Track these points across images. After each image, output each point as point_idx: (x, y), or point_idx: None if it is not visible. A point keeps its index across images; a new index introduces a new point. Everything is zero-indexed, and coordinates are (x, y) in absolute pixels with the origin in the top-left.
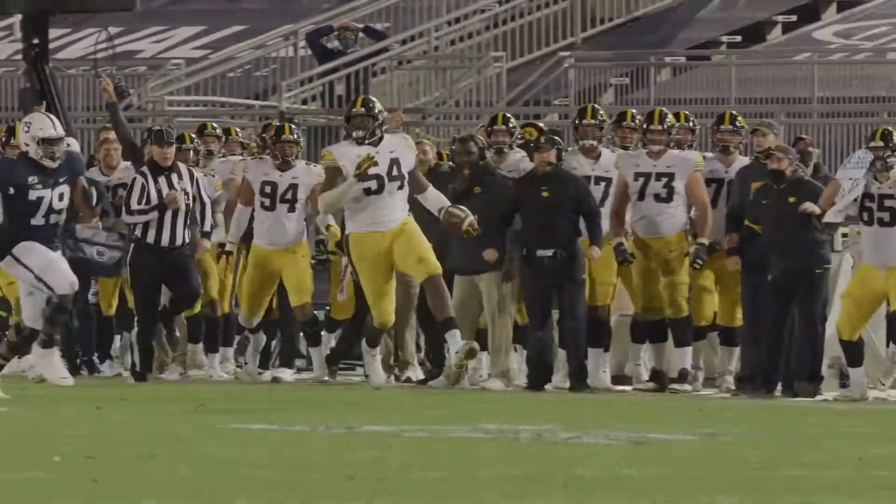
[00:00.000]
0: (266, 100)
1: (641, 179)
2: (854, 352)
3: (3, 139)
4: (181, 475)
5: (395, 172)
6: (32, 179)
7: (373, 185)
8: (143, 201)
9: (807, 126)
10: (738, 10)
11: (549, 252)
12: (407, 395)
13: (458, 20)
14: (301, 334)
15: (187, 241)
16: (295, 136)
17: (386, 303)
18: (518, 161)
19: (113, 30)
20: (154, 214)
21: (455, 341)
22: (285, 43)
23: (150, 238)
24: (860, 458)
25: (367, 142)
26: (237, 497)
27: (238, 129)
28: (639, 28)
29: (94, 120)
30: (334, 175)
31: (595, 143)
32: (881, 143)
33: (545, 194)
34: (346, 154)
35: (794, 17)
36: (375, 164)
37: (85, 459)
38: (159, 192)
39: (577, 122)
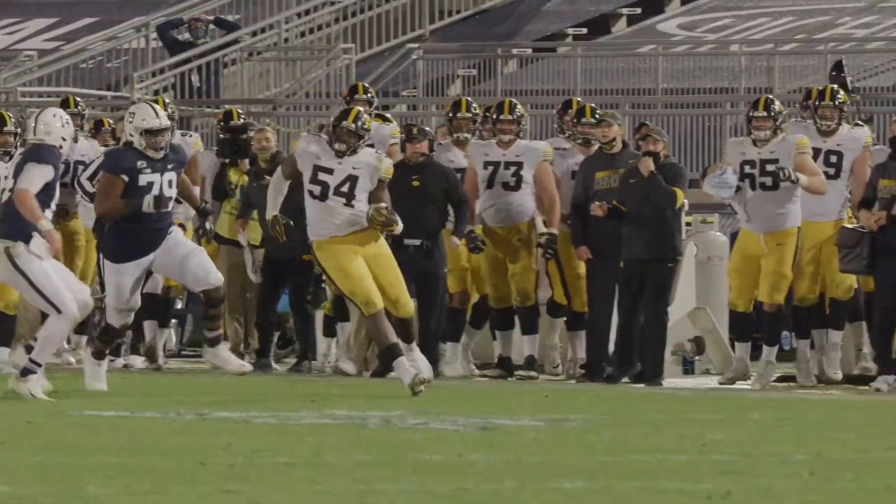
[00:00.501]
0: (118, 91)
1: (490, 168)
2: (743, 325)
3: None
4: (33, 461)
5: (344, 189)
6: (141, 164)
7: (316, 190)
8: None
9: (651, 117)
10: (584, 3)
11: (417, 242)
12: (257, 382)
13: (307, 12)
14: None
15: None
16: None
17: (366, 288)
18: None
19: None
20: None
21: (404, 371)
22: (137, 34)
23: None
24: (703, 444)
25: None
26: (89, 483)
27: (110, 120)
28: (486, 20)
29: None
30: (292, 163)
31: (469, 135)
32: (764, 113)
33: (416, 184)
34: (322, 153)
35: (638, 10)
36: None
37: None
38: None
39: (450, 115)
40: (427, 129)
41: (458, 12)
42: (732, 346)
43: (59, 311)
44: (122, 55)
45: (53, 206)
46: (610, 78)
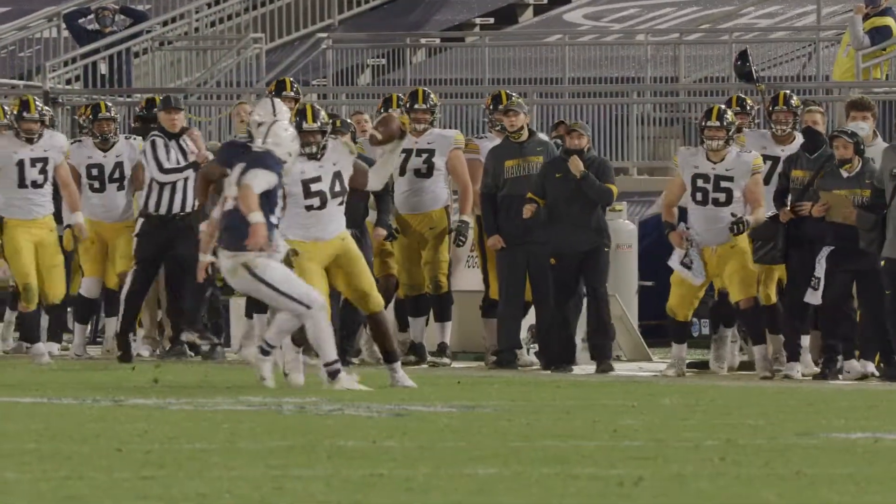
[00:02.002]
0: (30, 80)
1: (403, 155)
2: (682, 331)
3: None
4: None
5: (337, 188)
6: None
7: (315, 202)
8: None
9: (559, 106)
10: None
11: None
12: (173, 369)
13: (217, 2)
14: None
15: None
16: (111, 112)
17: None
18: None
19: None
20: (189, 172)
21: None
22: (49, 24)
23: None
24: (614, 430)
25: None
26: (6, 469)
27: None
28: (395, 10)
29: None
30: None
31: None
32: (717, 123)
33: None
34: (304, 166)
35: (545, 0)
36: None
37: None
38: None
39: (408, 106)
40: (349, 120)
41: (367, 2)
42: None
43: (308, 307)
44: (34, 44)
45: (278, 213)
46: (517, 67)
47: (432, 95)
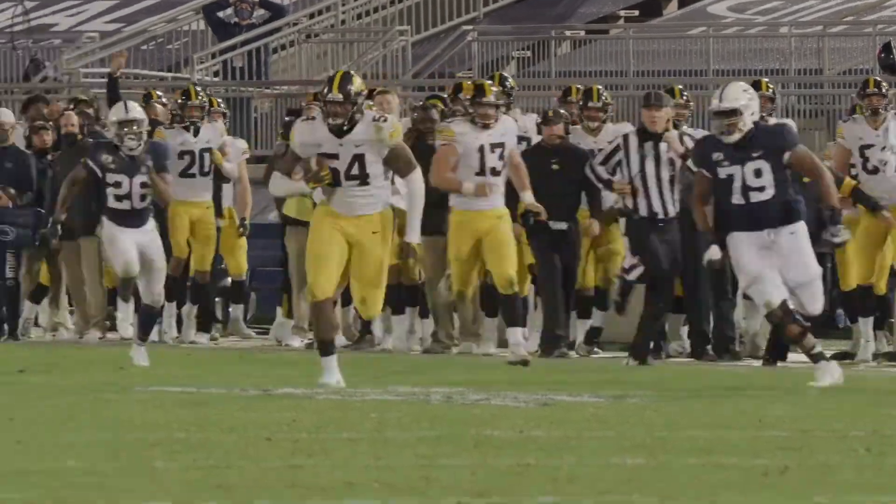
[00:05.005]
0: (178, 72)
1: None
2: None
3: None
4: (101, 438)
5: (354, 171)
6: None
7: (327, 178)
8: None
9: (704, 97)
10: None
11: (563, 225)
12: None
13: None
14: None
15: None
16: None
17: (321, 275)
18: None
19: (28, 3)
20: None
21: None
22: (196, 17)
23: None
24: (759, 420)
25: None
26: (156, 458)
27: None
28: (540, 2)
29: (10, 91)
30: (293, 157)
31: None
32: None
33: (555, 167)
34: (323, 140)
35: None
36: (327, 179)
37: (7, 422)
38: None
39: (581, 103)
40: (562, 111)
41: None
42: None
43: None
44: (182, 37)
45: None
46: (661, 60)
47: (606, 93)
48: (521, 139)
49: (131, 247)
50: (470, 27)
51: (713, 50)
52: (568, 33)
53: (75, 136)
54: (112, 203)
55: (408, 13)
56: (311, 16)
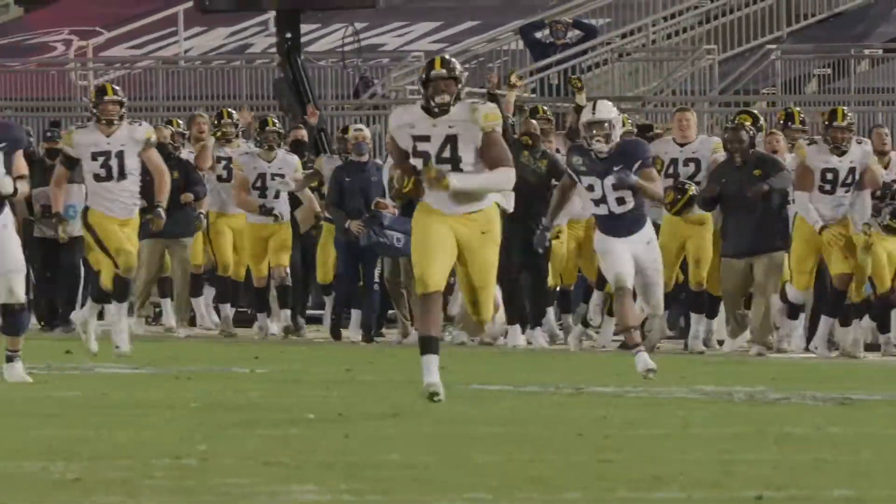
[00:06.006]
0: (498, 89)
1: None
2: None
3: (257, 129)
4: (424, 432)
5: (446, 153)
6: None
7: (419, 164)
8: None
9: None
10: None
11: None
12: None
13: (673, 16)
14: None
15: None
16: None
17: (433, 266)
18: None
19: (358, 25)
20: None
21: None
22: (514, 37)
23: None
24: None
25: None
26: (474, 451)
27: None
28: (840, 23)
29: (342, 108)
30: (394, 144)
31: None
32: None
33: None
34: (417, 121)
35: None
36: (416, 184)
37: (337, 417)
38: None
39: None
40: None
41: (814, 15)
42: None
43: None
44: (501, 56)
45: None
46: None
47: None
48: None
49: None
50: (774, 46)
51: None
52: (867, 52)
53: None
54: None
55: (715, 33)
56: (623, 35)
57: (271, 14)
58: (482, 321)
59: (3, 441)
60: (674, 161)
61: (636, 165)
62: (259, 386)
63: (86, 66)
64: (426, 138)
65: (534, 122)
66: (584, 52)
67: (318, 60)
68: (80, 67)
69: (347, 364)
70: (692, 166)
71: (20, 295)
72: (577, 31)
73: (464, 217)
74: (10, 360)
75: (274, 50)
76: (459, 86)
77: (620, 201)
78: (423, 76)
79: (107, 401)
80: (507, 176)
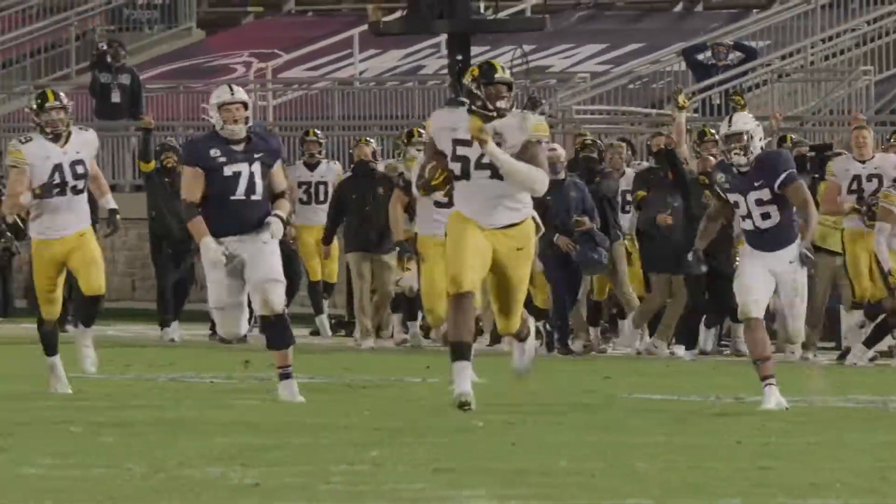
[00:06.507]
0: (661, 109)
1: None
2: None
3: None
4: (588, 440)
5: (486, 160)
6: None
7: (456, 168)
8: None
9: None
10: None
11: None
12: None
13: (831, 38)
14: None
15: None
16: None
17: (466, 266)
18: None
19: (527, 47)
20: None
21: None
22: (677, 59)
23: None
24: None
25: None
26: (636, 459)
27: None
28: None
29: None
30: (430, 146)
31: None
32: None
33: None
34: (460, 125)
35: None
36: (446, 180)
37: (504, 425)
38: None
39: None
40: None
41: None
42: None
43: None
44: (665, 77)
45: None
46: None
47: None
48: None
49: None
50: None
51: None
52: None
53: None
54: None
55: (871, 54)
56: (783, 57)
57: (443, 37)
58: (507, 330)
59: (187, 448)
60: (856, 177)
61: (779, 180)
62: (430, 395)
63: (265, 88)
64: (468, 142)
65: (711, 158)
66: (745, 73)
67: None
68: (259, 88)
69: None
70: (875, 182)
71: (276, 305)
72: (737, 53)
73: (500, 232)
74: (281, 377)
75: (445, 71)
76: (513, 93)
77: (765, 216)
78: (484, 79)
79: (283, 409)
80: (542, 176)
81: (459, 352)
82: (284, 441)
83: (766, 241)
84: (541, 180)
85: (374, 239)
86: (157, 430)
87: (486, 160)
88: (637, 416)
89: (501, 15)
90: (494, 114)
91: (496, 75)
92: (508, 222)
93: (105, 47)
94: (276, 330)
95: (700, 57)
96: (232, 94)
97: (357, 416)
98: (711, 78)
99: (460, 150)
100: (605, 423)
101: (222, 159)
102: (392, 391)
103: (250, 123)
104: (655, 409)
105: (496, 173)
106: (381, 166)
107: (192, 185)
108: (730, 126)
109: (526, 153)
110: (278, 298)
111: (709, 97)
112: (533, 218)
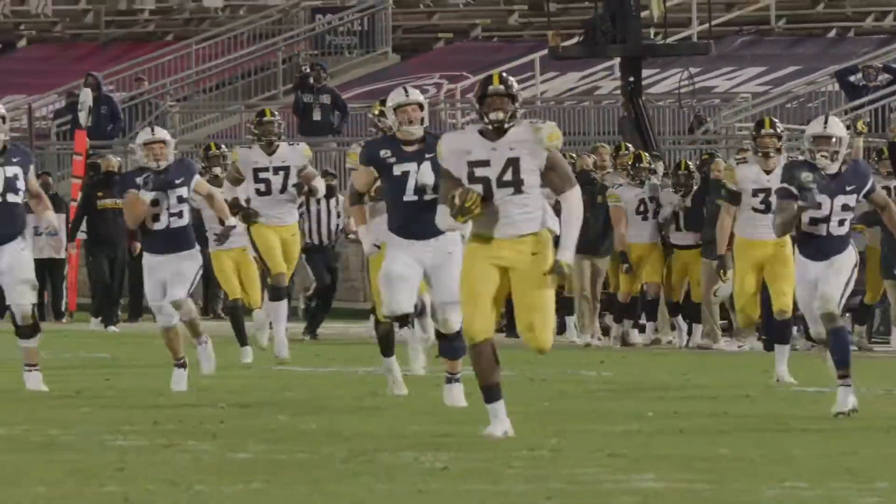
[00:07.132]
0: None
1: None
2: None
3: None
4: (749, 428)
5: (507, 177)
6: None
7: (478, 188)
8: None
9: None
10: None
11: None
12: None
13: None
14: None
15: None
16: None
17: (477, 315)
18: None
19: (693, 70)
20: None
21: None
22: (831, 80)
23: None
24: None
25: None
26: (793, 445)
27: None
28: None
29: (678, 142)
30: (445, 172)
31: None
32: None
33: None
34: (472, 145)
35: None
36: (476, 209)
37: (672, 415)
38: None
39: None
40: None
41: None
42: None
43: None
44: (819, 97)
45: None
46: None
47: None
48: None
49: None
50: None
51: None
52: None
53: None
54: None
55: None
56: None
57: (616, 60)
58: (537, 345)
59: (382, 433)
60: None
61: (867, 188)
62: (604, 387)
63: (454, 107)
64: (485, 163)
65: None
66: (893, 93)
67: (658, 101)
68: (448, 107)
69: (683, 370)
70: None
71: (453, 326)
72: (886, 75)
73: (515, 241)
74: (448, 381)
75: (619, 92)
76: (516, 104)
77: (842, 223)
78: (479, 93)
79: (467, 399)
80: (578, 200)
81: (490, 394)
82: (471, 429)
83: (827, 248)
84: (578, 205)
85: None
86: (355, 417)
87: (507, 177)
88: (794, 406)
89: (670, 40)
90: (491, 127)
91: (489, 87)
92: (527, 231)
93: (308, 70)
94: (452, 345)
95: (852, 79)
96: (406, 95)
97: (538, 407)
98: (862, 98)
99: (479, 172)
100: (764, 413)
101: (392, 159)
102: (569, 385)
103: (426, 124)
104: (810, 399)
105: (519, 188)
106: None
107: (361, 178)
108: (825, 127)
109: (554, 166)
110: (457, 317)
111: (860, 116)
112: (550, 229)
